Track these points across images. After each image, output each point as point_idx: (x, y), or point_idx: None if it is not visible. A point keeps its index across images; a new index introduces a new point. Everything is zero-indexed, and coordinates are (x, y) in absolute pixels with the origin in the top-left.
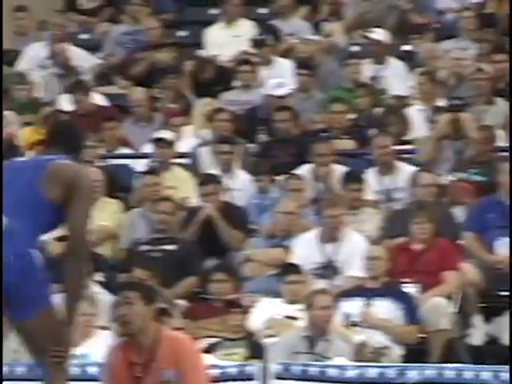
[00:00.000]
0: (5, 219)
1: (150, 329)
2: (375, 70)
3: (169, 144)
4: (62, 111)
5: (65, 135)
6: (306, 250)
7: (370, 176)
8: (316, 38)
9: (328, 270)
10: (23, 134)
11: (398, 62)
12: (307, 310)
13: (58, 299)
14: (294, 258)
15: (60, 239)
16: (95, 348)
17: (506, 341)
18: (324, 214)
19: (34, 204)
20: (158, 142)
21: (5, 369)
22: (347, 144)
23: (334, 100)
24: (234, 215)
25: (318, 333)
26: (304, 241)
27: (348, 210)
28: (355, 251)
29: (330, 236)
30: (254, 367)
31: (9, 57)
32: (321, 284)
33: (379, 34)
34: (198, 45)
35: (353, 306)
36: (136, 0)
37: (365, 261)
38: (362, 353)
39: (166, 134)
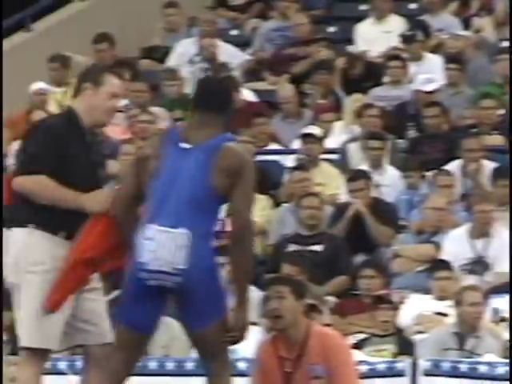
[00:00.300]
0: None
1: (300, 324)
2: None
3: (317, 140)
4: None
5: (213, 92)
6: (456, 245)
7: None
8: (466, 33)
9: (478, 265)
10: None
11: None
12: (457, 307)
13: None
14: (444, 254)
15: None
16: (244, 344)
17: None
18: (474, 209)
19: (201, 199)
20: (307, 137)
21: (154, 364)
22: (497, 140)
23: (484, 96)
24: (383, 211)
25: (467, 329)
26: (454, 236)
27: (497, 207)
28: (505, 247)
29: (481, 232)
30: (403, 363)
31: (159, 53)
32: (471, 280)
33: None
34: (348, 41)
35: (502, 302)
36: None
37: None
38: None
39: (315, 130)
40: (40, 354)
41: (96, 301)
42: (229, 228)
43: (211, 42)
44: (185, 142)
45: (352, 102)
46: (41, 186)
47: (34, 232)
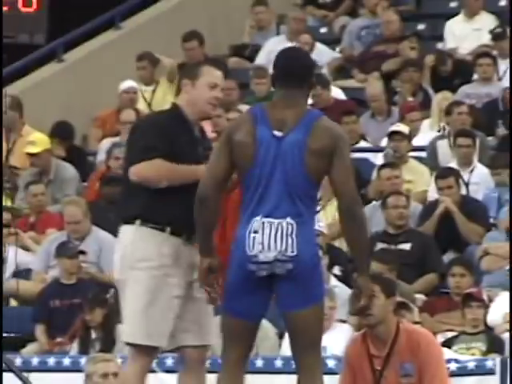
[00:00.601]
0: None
1: (390, 321)
2: None
3: (405, 137)
4: None
5: (295, 67)
6: None
7: None
8: None
9: None
10: None
11: None
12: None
13: None
14: None
15: None
16: (334, 341)
17: None
18: None
19: (301, 186)
20: (395, 135)
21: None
22: None
23: None
24: (473, 209)
25: None
26: None
27: None
28: None
29: None
30: (493, 362)
31: (248, 51)
32: None
33: None
34: (437, 38)
35: None
36: None
37: None
38: None
39: (403, 128)
40: (145, 351)
41: (202, 300)
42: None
43: (306, 40)
44: (275, 126)
45: (440, 100)
46: (157, 167)
47: (140, 228)
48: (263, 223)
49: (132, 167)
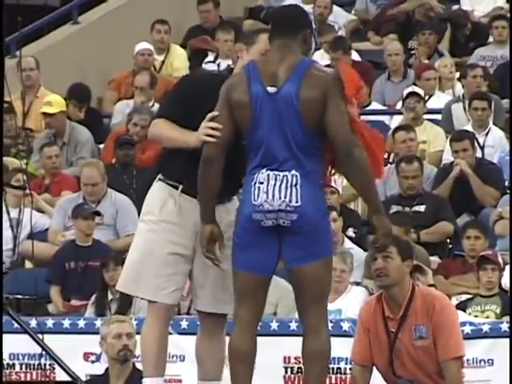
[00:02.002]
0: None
1: (405, 284)
2: None
3: (421, 99)
4: None
5: (285, 17)
6: None
7: None
8: None
9: None
10: None
11: None
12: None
13: None
14: None
15: None
16: (348, 304)
17: None
18: None
19: (302, 139)
20: (411, 96)
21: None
22: None
23: None
24: (488, 172)
25: None
26: None
27: None
28: None
29: None
30: (507, 324)
31: (264, 14)
32: None
33: None
34: (453, 0)
35: None
36: None
37: None
38: None
39: (419, 90)
40: (156, 307)
41: (217, 268)
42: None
43: (324, 2)
44: (268, 82)
45: (439, 66)
46: (155, 127)
47: (158, 183)
48: (268, 175)
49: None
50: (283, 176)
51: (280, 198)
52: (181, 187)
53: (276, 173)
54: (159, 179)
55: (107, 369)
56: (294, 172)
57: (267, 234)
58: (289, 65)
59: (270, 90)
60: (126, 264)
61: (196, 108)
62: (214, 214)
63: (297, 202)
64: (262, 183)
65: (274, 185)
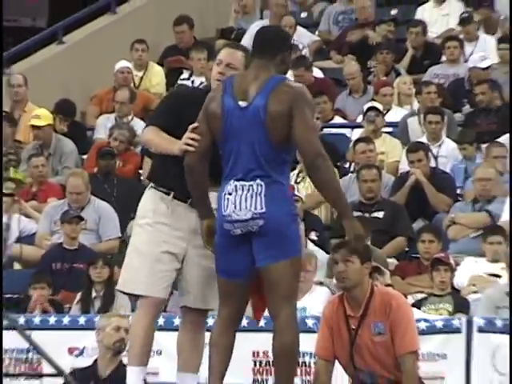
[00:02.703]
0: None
1: (365, 285)
2: None
3: (380, 113)
4: None
5: (266, 39)
6: None
7: None
8: None
9: None
10: None
11: None
12: (508, 268)
13: None
14: (504, 217)
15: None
16: (312, 302)
17: None
18: None
19: (268, 150)
20: (371, 111)
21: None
22: None
23: None
24: (441, 180)
25: None
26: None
27: None
28: None
29: None
30: (459, 321)
31: (234, 34)
32: None
33: None
34: (409, 22)
35: None
36: None
37: None
38: None
39: (378, 105)
40: (147, 302)
41: (205, 267)
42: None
43: (288, 22)
44: (240, 97)
45: (398, 83)
46: (147, 134)
47: (151, 190)
48: (236, 186)
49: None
50: (249, 186)
51: (246, 207)
52: (172, 193)
53: (242, 183)
54: (151, 187)
55: (95, 360)
56: (259, 181)
57: (238, 242)
58: (260, 81)
59: (241, 104)
60: (125, 266)
61: (180, 119)
62: (208, 210)
63: (262, 208)
64: (230, 194)
65: (241, 195)
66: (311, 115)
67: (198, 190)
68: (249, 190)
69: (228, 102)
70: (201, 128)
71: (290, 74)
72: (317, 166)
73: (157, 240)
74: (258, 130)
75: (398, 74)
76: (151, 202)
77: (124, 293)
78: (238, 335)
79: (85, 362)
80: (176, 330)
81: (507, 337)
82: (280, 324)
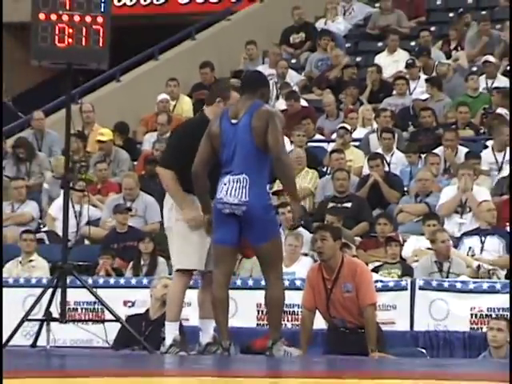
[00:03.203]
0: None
1: (337, 256)
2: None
3: (348, 132)
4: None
5: (248, 80)
6: (448, 196)
7: (485, 154)
8: (448, 61)
9: (462, 207)
10: None
11: (503, 78)
12: (432, 244)
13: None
14: (440, 202)
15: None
16: (299, 268)
17: None
18: (459, 172)
19: (252, 154)
20: (341, 130)
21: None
22: (468, 133)
23: (460, 103)
24: (393, 181)
25: (442, 258)
26: (448, 190)
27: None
28: (478, 197)
29: (465, 187)
30: (405, 282)
31: (244, 75)
32: (456, 219)
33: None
34: (369, 66)
35: (473, 241)
36: (325, 38)
37: (481, 211)
38: (478, 273)
39: (346, 125)
40: (186, 274)
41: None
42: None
43: (282, 65)
44: (232, 117)
45: (362, 110)
46: (166, 181)
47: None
48: (229, 179)
49: (158, 168)
50: (237, 179)
51: (235, 195)
52: (192, 193)
53: (234, 177)
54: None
55: (147, 309)
56: (244, 176)
57: (228, 218)
58: (246, 107)
59: (233, 121)
60: (178, 250)
61: (187, 146)
62: (208, 206)
63: (245, 198)
64: (225, 184)
65: (233, 186)
66: (280, 127)
67: (201, 191)
68: (237, 182)
69: (224, 122)
70: (203, 144)
71: (283, 104)
72: (279, 159)
73: (198, 229)
74: (246, 139)
75: (361, 104)
76: (186, 201)
77: (153, 261)
78: (245, 292)
79: (135, 311)
80: (196, 288)
81: (441, 293)
82: (270, 284)
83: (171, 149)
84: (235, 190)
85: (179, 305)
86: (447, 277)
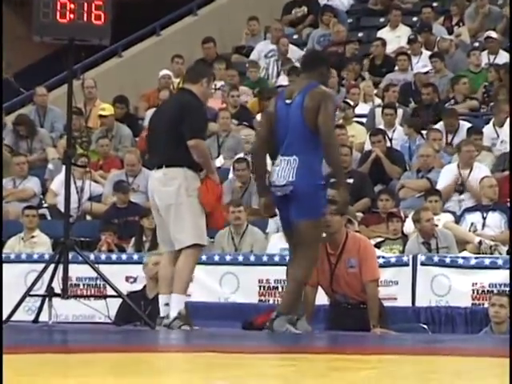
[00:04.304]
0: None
1: (342, 231)
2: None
3: (351, 107)
4: (279, 86)
5: (307, 58)
6: (448, 174)
7: (487, 129)
8: (450, 37)
9: (462, 186)
10: (252, 102)
11: (505, 53)
12: (416, 223)
13: None
14: (440, 181)
15: None
16: None
17: None
18: (462, 149)
19: (304, 134)
20: (343, 104)
21: (241, 257)
22: (471, 104)
23: (461, 76)
24: (394, 156)
25: (428, 237)
26: (448, 168)
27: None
28: (480, 175)
29: (465, 164)
30: (407, 257)
31: (245, 50)
32: (455, 197)
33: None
34: (371, 41)
35: (475, 217)
36: (328, 14)
37: (483, 187)
38: (480, 248)
39: (349, 101)
40: (198, 249)
41: None
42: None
43: (284, 42)
44: (287, 97)
45: (363, 86)
46: (205, 151)
47: (187, 170)
48: (280, 160)
49: (193, 139)
50: (287, 160)
51: (283, 176)
52: (200, 173)
53: (284, 158)
54: (186, 168)
55: (144, 286)
56: (294, 157)
57: (282, 201)
58: (301, 87)
59: (287, 101)
60: (190, 225)
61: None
62: (264, 189)
63: (292, 178)
64: (277, 166)
65: (282, 167)
66: (331, 111)
67: (259, 171)
68: (287, 163)
69: (279, 102)
70: (262, 122)
71: (285, 80)
72: (328, 144)
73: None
74: (298, 118)
75: (363, 79)
76: (195, 179)
77: (154, 237)
78: (248, 268)
79: (137, 287)
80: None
81: (442, 269)
82: (297, 261)
83: (201, 121)
84: (284, 171)
85: (190, 279)
86: (437, 253)
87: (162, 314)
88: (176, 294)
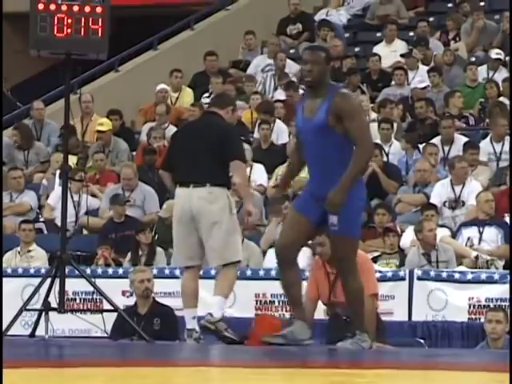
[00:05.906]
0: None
1: None
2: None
3: None
4: (276, 101)
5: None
6: (442, 190)
7: (484, 144)
8: (446, 51)
9: (456, 202)
10: (245, 113)
11: (504, 68)
12: (418, 233)
13: None
14: (433, 196)
15: None
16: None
17: None
18: (456, 165)
19: (330, 145)
20: None
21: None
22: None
23: (457, 91)
24: (391, 171)
25: (429, 248)
26: (442, 184)
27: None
28: (474, 192)
29: (459, 181)
30: (404, 272)
31: (242, 65)
32: (448, 213)
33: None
34: (368, 56)
35: (471, 232)
36: (325, 29)
37: (480, 202)
38: (476, 263)
39: None
40: (237, 264)
41: None
42: None
43: (281, 57)
44: (307, 112)
45: (367, 97)
46: (246, 173)
47: (226, 190)
48: (312, 168)
49: (239, 162)
50: (319, 169)
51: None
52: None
53: (315, 167)
54: (227, 188)
55: (136, 302)
56: (324, 166)
57: (313, 200)
58: (322, 97)
59: (305, 115)
60: (233, 241)
61: None
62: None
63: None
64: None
65: (318, 178)
66: (361, 116)
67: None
68: (320, 173)
69: (299, 117)
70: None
71: (282, 94)
72: (361, 149)
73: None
74: (322, 138)
75: (363, 92)
76: (232, 199)
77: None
78: (244, 282)
79: (133, 301)
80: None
81: (439, 283)
82: (344, 278)
83: (242, 144)
84: (321, 180)
85: (232, 290)
86: (437, 266)
87: (188, 326)
88: (221, 296)
